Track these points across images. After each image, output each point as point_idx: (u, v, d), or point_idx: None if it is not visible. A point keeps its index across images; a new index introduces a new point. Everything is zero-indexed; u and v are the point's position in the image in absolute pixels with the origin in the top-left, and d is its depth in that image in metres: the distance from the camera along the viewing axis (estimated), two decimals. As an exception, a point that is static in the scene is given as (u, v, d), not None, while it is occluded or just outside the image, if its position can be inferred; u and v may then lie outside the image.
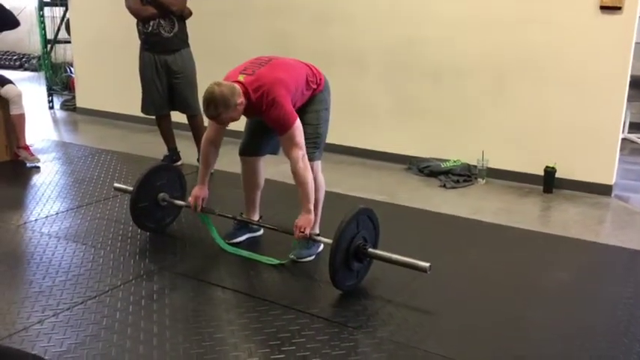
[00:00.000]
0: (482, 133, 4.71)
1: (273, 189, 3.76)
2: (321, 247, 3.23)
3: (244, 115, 3.01)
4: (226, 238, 3.36)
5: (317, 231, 3.23)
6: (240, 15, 5.62)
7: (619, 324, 2.64)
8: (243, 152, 3.31)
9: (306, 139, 3.05)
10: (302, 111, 3.08)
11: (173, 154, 4.91)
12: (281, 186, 4.08)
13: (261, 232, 3.48)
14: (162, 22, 4.47)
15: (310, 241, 3.13)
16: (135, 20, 4.58)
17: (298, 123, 2.94)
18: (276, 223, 3.24)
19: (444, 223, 3.85)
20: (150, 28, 4.49)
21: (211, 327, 2.56)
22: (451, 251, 3.37)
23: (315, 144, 3.14)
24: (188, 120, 4.76)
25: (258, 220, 3.42)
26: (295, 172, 2.95)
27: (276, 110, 2.88)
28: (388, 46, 4.98)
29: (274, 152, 3.33)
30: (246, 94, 2.88)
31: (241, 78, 2.92)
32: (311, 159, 3.09)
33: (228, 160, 5.01)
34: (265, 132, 3.19)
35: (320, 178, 3.19)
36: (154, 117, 4.89)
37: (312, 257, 3.20)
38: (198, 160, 4.74)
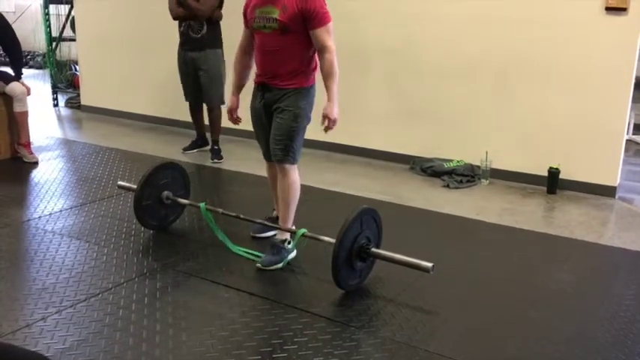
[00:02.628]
0: (486, 133, 4.70)
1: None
2: (294, 253, 3.17)
3: (269, 4, 2.96)
4: (253, 233, 3.41)
5: (287, 236, 3.17)
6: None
7: (621, 325, 2.64)
8: (267, 157, 3.31)
9: (277, 136, 3.06)
10: (282, 100, 3.06)
11: (199, 139, 5.37)
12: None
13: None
14: (192, 23, 4.90)
15: (276, 247, 3.12)
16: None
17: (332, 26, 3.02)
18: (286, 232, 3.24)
19: (447, 223, 3.84)
20: (182, 28, 4.96)
21: (214, 325, 2.57)
22: (454, 252, 3.37)
23: (288, 148, 3.07)
24: (207, 112, 5.17)
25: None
26: (330, 63, 2.99)
27: (316, 2, 2.95)
28: (391, 46, 4.97)
29: None
30: None
31: None
32: (283, 161, 3.08)
33: (237, 160, 5.05)
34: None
35: (295, 178, 3.14)
36: (157, 115, 5.00)
37: (281, 265, 3.10)
38: (211, 159, 5.05)
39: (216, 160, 5.02)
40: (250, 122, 3.29)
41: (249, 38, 3.20)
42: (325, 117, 2.99)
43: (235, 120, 3.33)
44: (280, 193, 3.18)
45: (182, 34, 4.97)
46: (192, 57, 4.95)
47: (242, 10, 3.17)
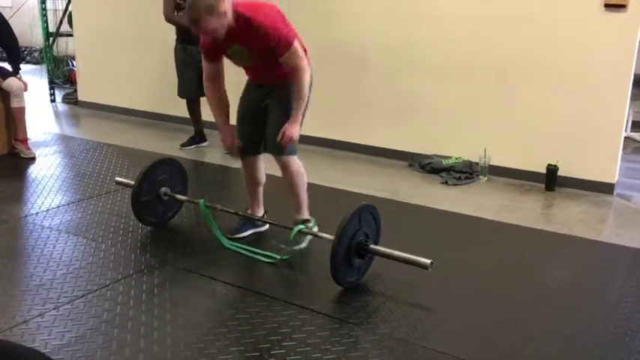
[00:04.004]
0: (485, 130, 4.70)
1: (277, 185, 3.74)
2: (307, 242, 3.21)
3: (234, 43, 2.93)
4: (230, 234, 3.35)
5: (306, 215, 3.24)
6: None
7: (620, 322, 2.64)
8: (245, 155, 3.30)
9: (276, 127, 3.05)
10: (277, 95, 3.09)
11: (197, 135, 5.34)
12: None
13: (266, 227, 3.46)
14: None
15: (297, 235, 3.12)
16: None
17: (297, 41, 2.94)
18: (280, 219, 3.24)
19: (445, 220, 3.84)
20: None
21: (212, 322, 2.57)
22: (452, 248, 3.37)
23: None
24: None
25: (262, 216, 3.42)
26: (300, 83, 2.95)
27: (271, 29, 2.84)
28: (390, 44, 4.96)
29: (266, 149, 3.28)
30: (235, 11, 2.82)
31: None
32: (283, 154, 3.09)
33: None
34: (259, 132, 3.19)
35: (297, 168, 3.18)
36: (155, 111, 4.98)
37: (304, 245, 3.18)
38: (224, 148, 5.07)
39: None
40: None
41: (214, 70, 3.11)
42: (283, 133, 2.97)
43: (236, 153, 3.26)
44: (287, 186, 3.20)
45: (183, 31, 4.90)
46: (197, 50, 4.90)
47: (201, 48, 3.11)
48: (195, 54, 4.92)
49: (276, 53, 2.92)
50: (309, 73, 2.98)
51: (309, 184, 3.28)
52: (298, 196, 3.22)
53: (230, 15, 2.80)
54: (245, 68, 3.16)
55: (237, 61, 3.09)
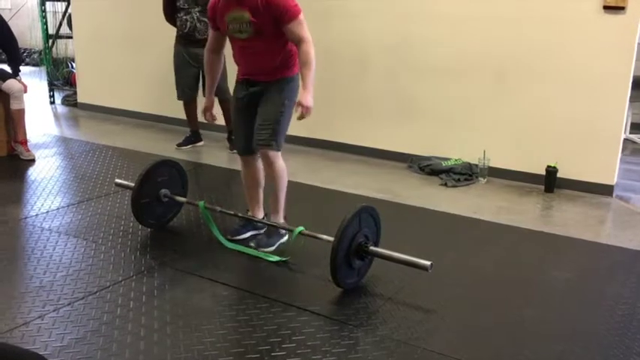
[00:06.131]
0: (484, 131, 4.71)
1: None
2: (285, 237, 3.25)
3: (237, 7, 2.96)
4: (230, 235, 3.36)
5: (282, 220, 3.27)
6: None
7: (619, 324, 2.65)
8: (244, 152, 3.33)
9: (264, 120, 3.11)
10: (267, 90, 3.13)
11: (193, 135, 5.41)
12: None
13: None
14: (198, 25, 5.01)
15: (272, 228, 3.19)
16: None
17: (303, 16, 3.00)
18: (279, 221, 3.24)
19: (444, 221, 3.85)
20: (187, 30, 5.02)
21: (212, 324, 2.57)
22: (452, 250, 3.37)
23: (274, 132, 3.11)
24: (220, 103, 5.02)
25: (262, 218, 3.42)
26: (306, 53, 2.98)
27: None
28: (389, 44, 4.97)
29: None
30: None
31: None
32: (269, 146, 3.11)
33: (229, 157, 5.05)
34: (252, 128, 3.23)
35: (282, 164, 3.19)
36: (154, 113, 5.00)
37: (274, 247, 3.21)
38: (230, 149, 5.14)
39: (235, 151, 5.04)
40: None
41: (218, 40, 3.24)
42: (299, 104, 2.98)
43: (213, 117, 3.38)
44: (270, 182, 3.23)
45: (186, 35, 5.03)
46: (197, 52, 4.92)
47: (208, 14, 3.19)
48: (199, 56, 4.87)
49: (280, 23, 2.95)
50: (312, 46, 2.99)
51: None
52: (277, 199, 3.25)
53: None
54: (238, 49, 3.14)
55: (234, 33, 3.06)
